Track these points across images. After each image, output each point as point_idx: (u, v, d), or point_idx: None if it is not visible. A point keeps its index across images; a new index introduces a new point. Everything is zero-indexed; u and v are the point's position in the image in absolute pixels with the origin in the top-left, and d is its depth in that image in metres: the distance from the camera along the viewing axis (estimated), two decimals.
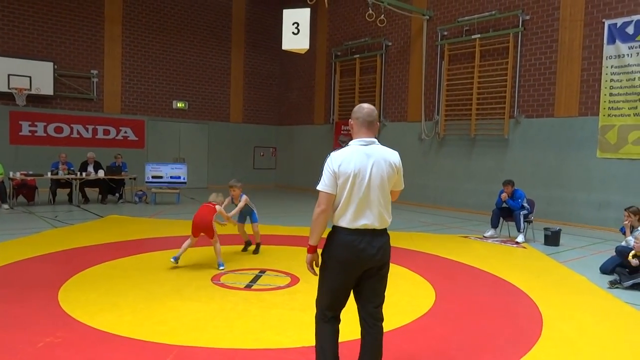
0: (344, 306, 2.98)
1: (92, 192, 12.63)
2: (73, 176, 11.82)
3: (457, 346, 3.87)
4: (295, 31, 6.81)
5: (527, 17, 11.37)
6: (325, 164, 2.88)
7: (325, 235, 2.93)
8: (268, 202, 14.16)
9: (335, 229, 2.88)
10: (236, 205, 6.81)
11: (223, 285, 5.33)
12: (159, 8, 16.03)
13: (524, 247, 8.11)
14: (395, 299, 5.07)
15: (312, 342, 3.79)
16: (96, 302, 4.62)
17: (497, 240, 8.62)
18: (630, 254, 6.09)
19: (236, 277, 5.67)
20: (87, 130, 15.01)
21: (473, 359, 3.63)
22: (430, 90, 13.47)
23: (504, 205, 8.77)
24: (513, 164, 11.61)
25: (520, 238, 8.47)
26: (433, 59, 13.39)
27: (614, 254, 6.63)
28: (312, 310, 4.57)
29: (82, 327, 3.98)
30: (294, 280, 5.60)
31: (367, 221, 2.81)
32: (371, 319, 2.97)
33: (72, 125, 14.74)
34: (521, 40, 11.48)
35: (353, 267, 2.84)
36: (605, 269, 6.50)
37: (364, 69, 15.31)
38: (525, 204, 8.72)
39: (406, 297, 5.12)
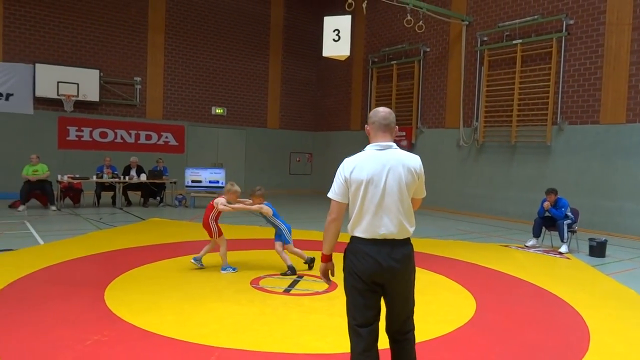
0: (374, 321, 2.72)
1: (135, 195, 13.01)
2: (117, 180, 12.21)
3: (499, 358, 3.78)
4: (336, 38, 6.85)
5: (571, 22, 11.07)
6: (337, 171, 2.73)
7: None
8: (303, 207, 14.24)
9: (352, 240, 2.73)
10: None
11: (262, 289, 5.39)
12: (199, 17, 16.42)
13: (568, 258, 7.86)
14: (435, 307, 5.02)
15: (349, 348, 3.82)
16: (140, 302, 4.75)
17: (539, 250, 8.39)
18: None
19: (275, 282, 5.72)
20: (130, 135, 15.48)
21: None
22: (469, 96, 13.27)
23: (547, 214, 8.53)
24: (555, 172, 11.29)
25: (563, 248, 8.22)
26: (472, 65, 13.20)
27: None
28: None
29: (127, 326, 4.10)
30: (332, 285, 5.59)
31: (385, 230, 2.63)
32: (399, 334, 2.81)
33: (116, 130, 15.23)
34: (565, 45, 11.18)
35: (372, 280, 2.65)
36: None
37: (401, 75, 15.23)
38: (569, 213, 8.45)
39: (446, 306, 5.05)
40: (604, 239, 8.37)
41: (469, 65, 13.29)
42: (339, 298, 5.17)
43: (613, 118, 10.40)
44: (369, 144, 2.82)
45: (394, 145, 2.76)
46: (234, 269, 6.11)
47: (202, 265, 6.23)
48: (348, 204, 2.73)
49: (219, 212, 6.21)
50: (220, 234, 6.25)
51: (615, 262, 7.78)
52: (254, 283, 5.62)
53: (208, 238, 6.35)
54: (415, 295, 2.90)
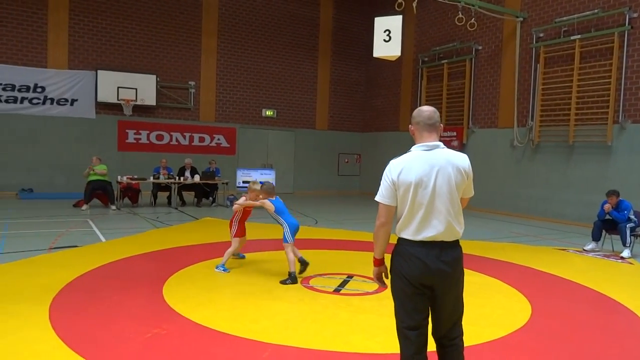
0: (423, 324, 2.69)
1: (189, 196, 13.45)
2: (172, 180, 12.67)
3: None
4: (387, 38, 6.84)
5: (635, 15, 10.52)
6: (384, 173, 2.68)
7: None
8: (352, 208, 14.25)
9: (400, 242, 2.68)
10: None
11: (312, 288, 5.46)
12: (250, 21, 16.77)
13: (631, 263, 7.48)
14: (488, 310, 4.92)
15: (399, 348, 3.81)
16: (195, 297, 4.94)
17: (599, 255, 8.03)
18: None
19: (324, 281, 5.78)
20: (184, 137, 16.03)
21: None
22: (524, 95, 12.86)
23: (607, 217, 8.15)
24: (617, 173, 10.76)
25: (626, 253, 7.82)
26: (527, 62, 12.79)
27: None
28: None
29: (184, 320, 4.27)
30: (382, 286, 5.59)
31: (435, 232, 2.58)
32: (446, 339, 2.75)
33: (171, 133, 15.81)
34: (627, 40, 10.63)
35: (420, 283, 2.61)
36: None
37: (452, 74, 14.96)
38: (632, 216, 8.04)
39: (499, 310, 4.94)
40: None
41: (524, 62, 12.88)
42: (388, 298, 5.12)
43: None
44: (414, 144, 2.78)
45: (441, 144, 2.70)
46: (226, 270, 6.03)
47: (242, 256, 6.73)
48: (396, 207, 2.67)
49: (243, 213, 6.34)
50: (236, 235, 6.30)
51: None
52: (305, 282, 5.70)
53: (258, 238, 6.54)
54: (467, 298, 2.85)
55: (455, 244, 2.68)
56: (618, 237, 8.12)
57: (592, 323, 4.65)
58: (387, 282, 2.86)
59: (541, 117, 12.37)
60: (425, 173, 2.60)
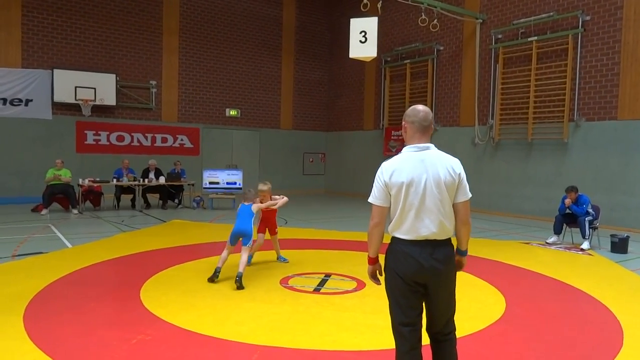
0: (417, 321, 2.76)
1: (153, 198, 13.15)
2: (136, 182, 12.36)
3: (537, 353, 3.83)
4: (363, 39, 6.91)
5: (588, 18, 11.05)
6: (376, 175, 2.74)
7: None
8: (319, 207, 14.32)
9: (393, 240, 2.74)
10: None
11: (292, 288, 5.47)
12: (213, 19, 16.55)
13: (590, 254, 7.87)
14: (465, 304, 5.05)
15: (390, 345, 3.87)
16: (176, 302, 4.85)
17: (560, 247, 8.40)
18: None
19: (303, 281, 5.80)
20: (146, 138, 15.65)
21: None
22: (484, 94, 13.28)
23: (568, 211, 8.55)
24: (573, 169, 11.28)
25: (585, 245, 8.23)
26: (487, 63, 13.21)
27: None
28: (385, 314, 4.65)
29: (168, 326, 4.20)
30: (360, 284, 5.68)
31: (427, 231, 2.64)
32: (440, 334, 2.84)
33: (132, 133, 15.41)
34: (581, 42, 11.17)
35: (414, 280, 2.67)
36: None
37: (414, 74, 15.26)
38: (590, 210, 8.46)
39: (476, 303, 5.10)
40: (625, 235, 8.37)
41: (484, 63, 13.30)
42: (370, 296, 5.26)
43: (631, 113, 10.38)
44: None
45: (432, 146, 2.76)
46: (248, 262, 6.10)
47: (285, 260, 6.66)
48: (389, 207, 2.73)
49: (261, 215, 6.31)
50: (259, 231, 6.50)
51: (638, 257, 7.78)
52: (283, 282, 5.70)
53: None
54: None
55: (447, 242, 2.74)
56: (577, 230, 8.52)
57: (563, 312, 4.88)
58: (381, 279, 2.90)
59: (501, 115, 12.81)
60: (417, 174, 2.66)
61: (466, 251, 2.93)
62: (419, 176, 2.66)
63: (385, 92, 16.24)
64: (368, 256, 2.88)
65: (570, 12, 11.32)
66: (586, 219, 8.32)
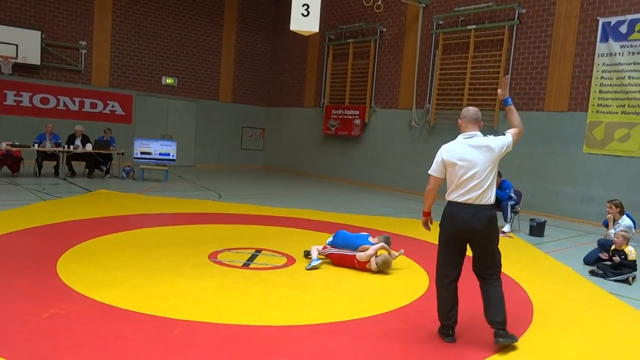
0: (458, 270, 3.68)
1: (79, 166, 12.46)
2: (60, 149, 11.63)
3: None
4: (305, 13, 6.76)
5: (523, 11, 11.47)
6: (437, 155, 3.72)
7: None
8: (257, 183, 14.18)
9: (449, 204, 3.65)
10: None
11: (221, 263, 5.38)
12: None
13: (510, 237, 8.31)
14: (390, 282, 5.22)
15: (313, 320, 3.95)
16: (95, 276, 4.63)
17: None
18: (611, 248, 6.31)
19: (233, 256, 5.72)
20: (73, 102, 14.72)
21: (470, 339, 3.77)
22: (423, 78, 13.54)
23: None
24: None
25: (506, 228, 8.67)
26: (427, 48, 13.44)
27: (597, 246, 6.87)
28: (311, 290, 4.73)
29: (86, 300, 4.00)
30: (290, 260, 5.68)
31: (472, 196, 3.53)
32: (484, 274, 3.69)
33: (58, 97, 14.43)
34: (516, 34, 11.60)
35: (463, 235, 3.59)
36: (588, 261, 6.73)
37: (357, 54, 15.28)
38: (513, 195, 8.91)
39: (400, 281, 5.26)
40: (543, 219, 8.91)
41: (424, 47, 13.52)
42: (298, 272, 5.28)
43: (556, 106, 10.97)
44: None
45: (479, 133, 3.72)
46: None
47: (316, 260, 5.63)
48: (443, 178, 3.70)
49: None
50: None
51: (553, 241, 8.32)
52: (212, 257, 5.59)
53: (160, 212, 6.24)
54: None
55: (489, 207, 3.62)
56: (500, 213, 8.95)
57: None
58: (432, 226, 3.95)
59: (437, 100, 13.13)
60: (466, 153, 3.60)
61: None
62: (467, 156, 3.59)
63: (327, 70, 16.16)
64: (423, 210, 3.97)
65: (508, 4, 11.69)
66: (508, 203, 8.76)
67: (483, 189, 3.56)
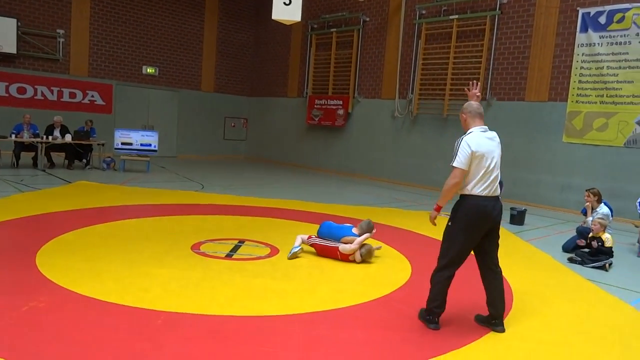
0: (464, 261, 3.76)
1: (58, 157, 12.25)
2: (39, 139, 11.40)
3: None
4: (287, 2, 6.70)
5: (505, 1, 11.53)
6: (461, 146, 3.61)
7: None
8: (240, 174, 14.11)
9: (472, 197, 3.62)
10: None
11: (204, 254, 5.35)
12: None
13: None
14: (373, 271, 5.25)
15: (296, 310, 3.97)
16: (76, 268, 4.57)
17: None
18: (589, 236, 6.44)
19: (216, 247, 5.69)
20: (52, 92, 14.43)
21: (451, 327, 3.82)
22: (406, 68, 13.56)
23: None
24: None
25: None
26: (410, 37, 13.45)
27: (575, 234, 7.01)
28: (294, 280, 4.74)
29: (66, 292, 3.95)
30: (274, 250, 5.68)
31: (493, 190, 3.63)
32: (495, 266, 3.81)
33: (36, 86, 14.14)
34: (497, 24, 11.66)
35: (485, 225, 3.65)
36: (567, 248, 6.86)
37: (340, 43, 15.22)
38: None
39: (383, 270, 5.29)
40: (523, 208, 9.04)
41: (407, 37, 13.52)
42: (281, 263, 5.28)
43: (537, 96, 11.09)
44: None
45: (487, 128, 3.77)
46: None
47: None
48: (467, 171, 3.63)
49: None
50: None
51: (533, 229, 8.45)
52: (195, 248, 5.56)
53: (142, 203, 6.15)
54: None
55: (499, 198, 3.73)
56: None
57: (463, 279, 5.13)
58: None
59: (420, 90, 13.18)
60: (489, 148, 3.64)
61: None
62: (490, 150, 3.64)
63: (310, 59, 16.08)
64: (437, 205, 3.80)
65: None
66: None
67: (498, 181, 3.70)
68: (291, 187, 11.75)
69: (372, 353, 3.33)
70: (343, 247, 5.45)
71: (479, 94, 4.08)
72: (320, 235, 5.80)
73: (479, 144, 3.61)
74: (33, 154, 11.66)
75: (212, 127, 17.89)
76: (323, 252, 5.58)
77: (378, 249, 5.85)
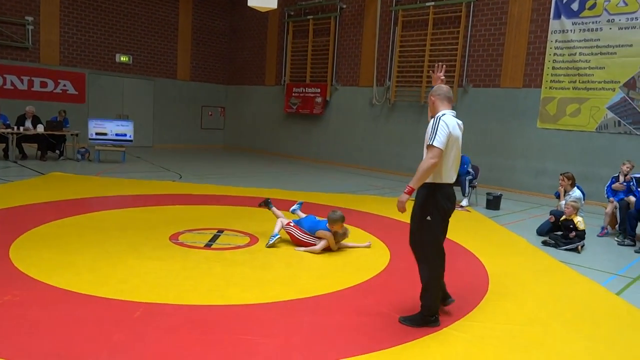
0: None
1: (30, 148, 11.95)
2: (9, 130, 11.10)
3: (414, 299, 4.09)
4: None
5: None
6: (440, 126, 3.34)
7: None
8: (218, 163, 14.00)
9: (442, 186, 3.46)
10: None
11: (182, 244, 5.32)
12: None
13: (468, 211, 8.55)
14: (353, 258, 5.30)
15: (276, 298, 3.98)
16: (51, 261, 4.50)
17: None
18: (562, 218, 6.60)
19: (194, 237, 5.66)
20: (22, 81, 14.04)
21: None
22: (383, 55, 13.57)
23: None
24: None
25: (464, 202, 8.91)
26: (387, 25, 13.44)
27: (549, 217, 7.17)
28: (273, 269, 4.75)
29: (41, 285, 3.89)
30: (253, 239, 5.67)
31: (455, 174, 3.53)
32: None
33: (5, 75, 13.72)
34: (473, 11, 11.73)
35: (451, 213, 3.58)
36: (541, 231, 7.02)
37: (317, 30, 15.14)
38: (471, 170, 9.14)
39: (363, 257, 5.34)
40: (499, 193, 9.19)
41: (384, 24, 13.52)
42: (260, 252, 5.28)
43: (511, 82, 11.23)
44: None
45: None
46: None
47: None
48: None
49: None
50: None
51: (508, 214, 8.61)
52: (173, 238, 5.52)
53: (118, 194, 6.05)
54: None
55: None
56: (459, 187, 9.18)
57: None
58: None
59: (397, 77, 13.22)
60: (459, 133, 3.53)
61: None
62: (460, 134, 3.54)
63: (287, 47, 15.96)
64: (410, 186, 3.41)
65: None
66: (466, 178, 8.99)
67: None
68: (270, 176, 11.72)
69: (351, 338, 3.37)
70: (313, 249, 5.36)
71: (443, 77, 3.86)
72: (299, 225, 5.78)
73: (454, 127, 3.44)
74: (4, 145, 11.36)
75: (189, 116, 17.67)
76: (298, 244, 5.55)
77: (368, 246, 5.79)
